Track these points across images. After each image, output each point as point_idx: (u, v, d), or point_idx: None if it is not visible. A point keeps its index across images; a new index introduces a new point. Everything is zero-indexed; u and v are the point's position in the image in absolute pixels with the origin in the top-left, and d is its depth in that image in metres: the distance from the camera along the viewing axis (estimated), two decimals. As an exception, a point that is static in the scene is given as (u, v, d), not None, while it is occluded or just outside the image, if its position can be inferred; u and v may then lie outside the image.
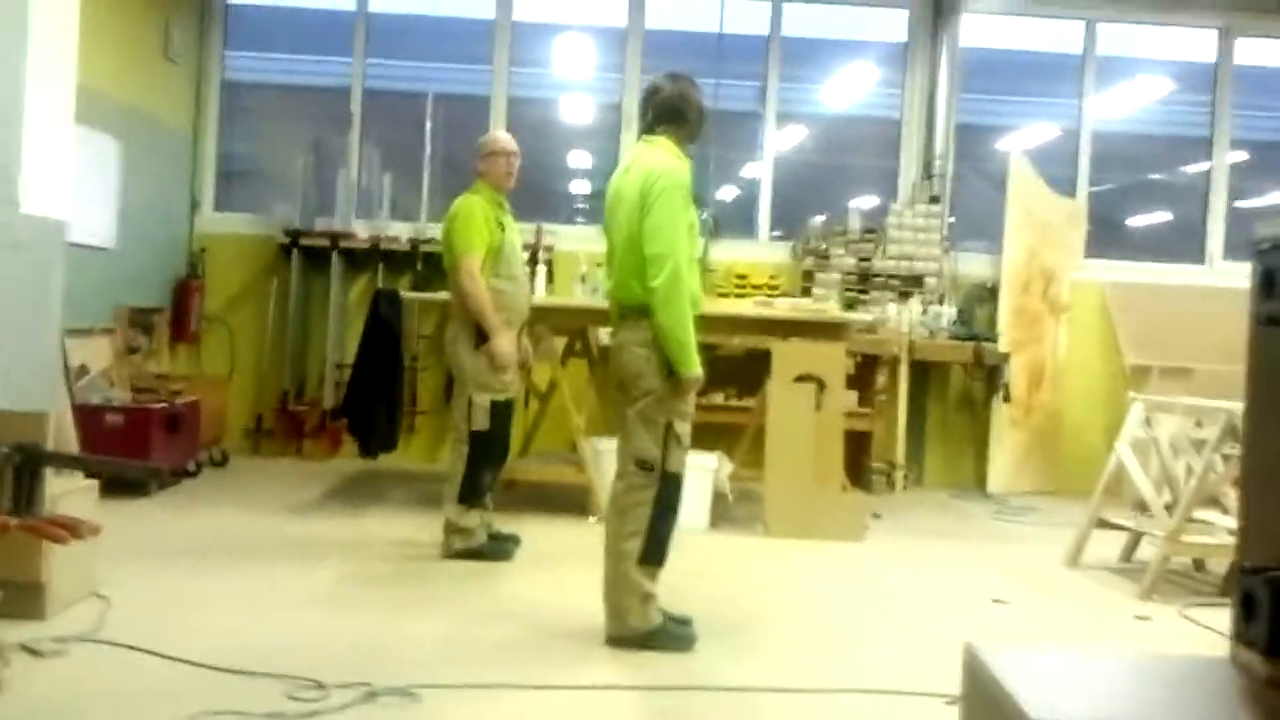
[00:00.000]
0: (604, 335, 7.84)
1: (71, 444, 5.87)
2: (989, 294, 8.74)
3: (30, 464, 3.16)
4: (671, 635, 4.18)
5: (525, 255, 6.15)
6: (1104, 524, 6.01)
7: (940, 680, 3.94)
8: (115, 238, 7.37)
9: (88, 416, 6.30)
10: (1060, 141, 9.27)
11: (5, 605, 3.95)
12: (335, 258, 8.41)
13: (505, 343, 5.37)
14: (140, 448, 6.42)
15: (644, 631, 4.14)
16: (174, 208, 8.43)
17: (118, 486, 5.81)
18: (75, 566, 4.27)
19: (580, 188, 10.11)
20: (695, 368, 4.07)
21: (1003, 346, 8.37)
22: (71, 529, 3.10)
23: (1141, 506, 5.94)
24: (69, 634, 3.91)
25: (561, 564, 5.40)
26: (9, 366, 4.90)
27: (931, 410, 8.81)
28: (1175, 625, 4.98)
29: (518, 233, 5.71)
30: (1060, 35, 9.21)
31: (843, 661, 4.18)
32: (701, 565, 5.52)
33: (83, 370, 6.62)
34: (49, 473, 3.98)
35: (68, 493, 4.26)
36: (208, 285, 8.52)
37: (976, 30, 9.10)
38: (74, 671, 3.63)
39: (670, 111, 4.27)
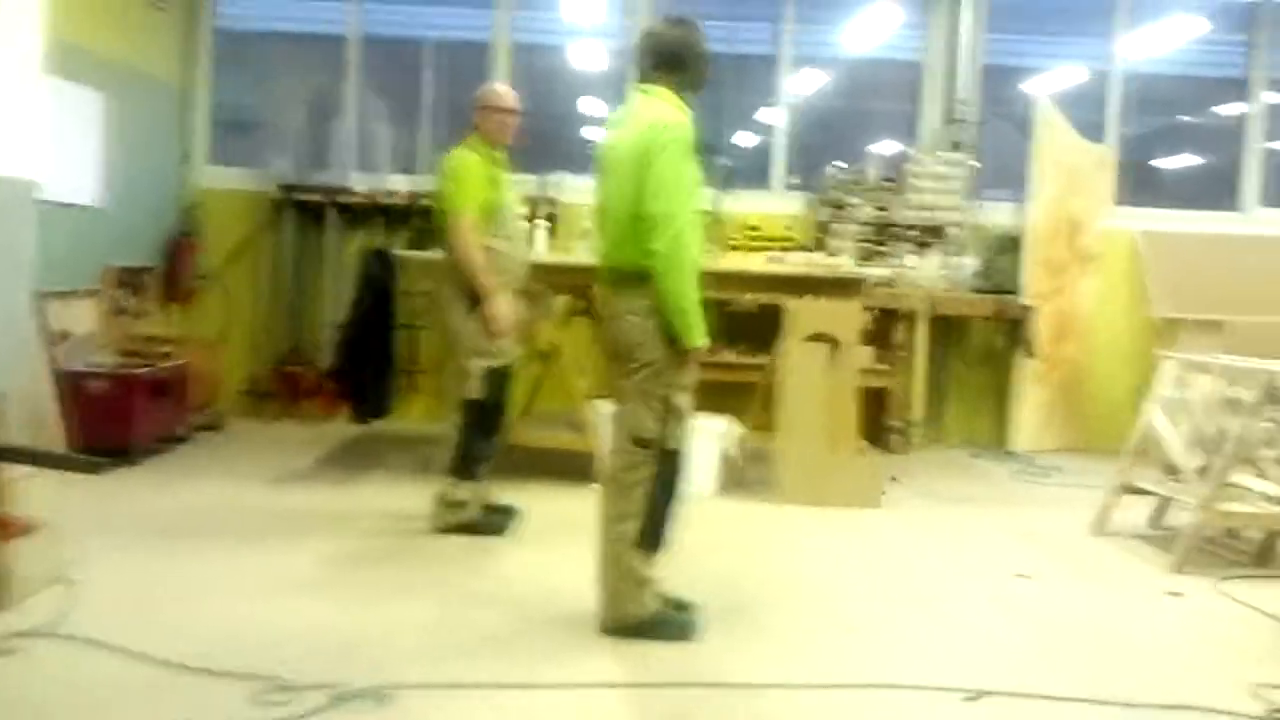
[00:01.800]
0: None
1: (48, 416, 5.65)
2: (1013, 244, 8.37)
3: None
4: (671, 624, 3.91)
5: (524, 211, 5.84)
6: (1132, 489, 5.72)
7: (961, 671, 3.68)
8: (101, 195, 7.09)
9: (69, 384, 6.05)
10: (1089, 84, 8.85)
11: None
12: (332, 213, 8.11)
13: (502, 305, 5.06)
14: (124, 415, 6.18)
15: (641, 620, 3.87)
16: (164, 163, 8.12)
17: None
18: (41, 551, 4.02)
19: (589, 136, 9.75)
20: (700, 338, 3.77)
21: (1027, 299, 8.02)
22: (9, 525, 2.83)
23: (1171, 470, 5.63)
24: (28, 627, 3.67)
25: (559, 539, 5.11)
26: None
27: (952, 366, 8.48)
28: (1212, 602, 4.70)
29: (513, 189, 5.40)
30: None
31: (856, 650, 3.91)
32: (708, 536, 5.22)
33: (64, 335, 6.36)
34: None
35: (32, 471, 4.01)
36: (204, 243, 8.23)
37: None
38: (27, 670, 3.39)
39: (669, 59, 3.93)
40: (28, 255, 5.04)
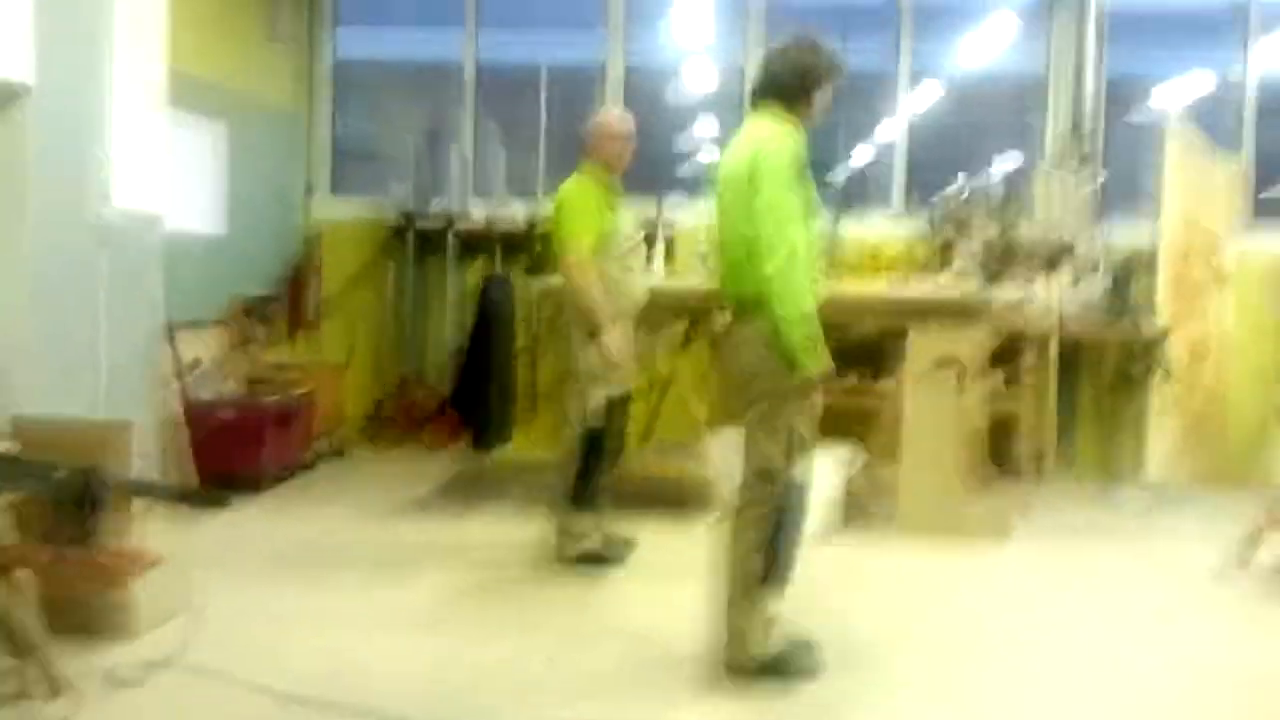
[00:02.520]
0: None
1: (179, 444, 5.76)
2: (1144, 264, 8.07)
3: (88, 491, 2.93)
4: (795, 663, 3.79)
5: (638, 238, 5.78)
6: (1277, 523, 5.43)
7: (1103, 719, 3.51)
8: (226, 225, 7.23)
9: (198, 412, 6.17)
10: (1219, 95, 8.51)
11: (92, 622, 3.79)
12: (450, 240, 8.16)
13: (616, 337, 5.01)
14: (252, 444, 6.27)
15: (764, 659, 3.75)
16: (287, 193, 8.28)
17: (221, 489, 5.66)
18: (164, 583, 4.07)
19: (702, 159, 9.69)
20: (816, 364, 3.65)
21: (1161, 321, 7.72)
22: (130, 564, 2.85)
23: (1323, 502, 5.35)
24: (152, 658, 3.70)
25: (677, 572, 4.98)
26: (108, 364, 4.76)
27: (1083, 391, 8.19)
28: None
29: (627, 218, 5.35)
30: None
31: (988, 694, 3.75)
32: (828, 573, 5.08)
33: (195, 364, 6.49)
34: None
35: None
36: (324, 271, 8.35)
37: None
38: (150, 702, 3.44)
39: (782, 79, 3.83)
40: (154, 288, 5.16)
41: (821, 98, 3.84)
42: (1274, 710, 3.70)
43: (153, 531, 3.99)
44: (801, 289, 3.60)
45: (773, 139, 3.72)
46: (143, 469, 4.15)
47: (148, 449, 4.70)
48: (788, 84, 3.82)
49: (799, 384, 3.68)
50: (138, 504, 3.89)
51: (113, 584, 3.54)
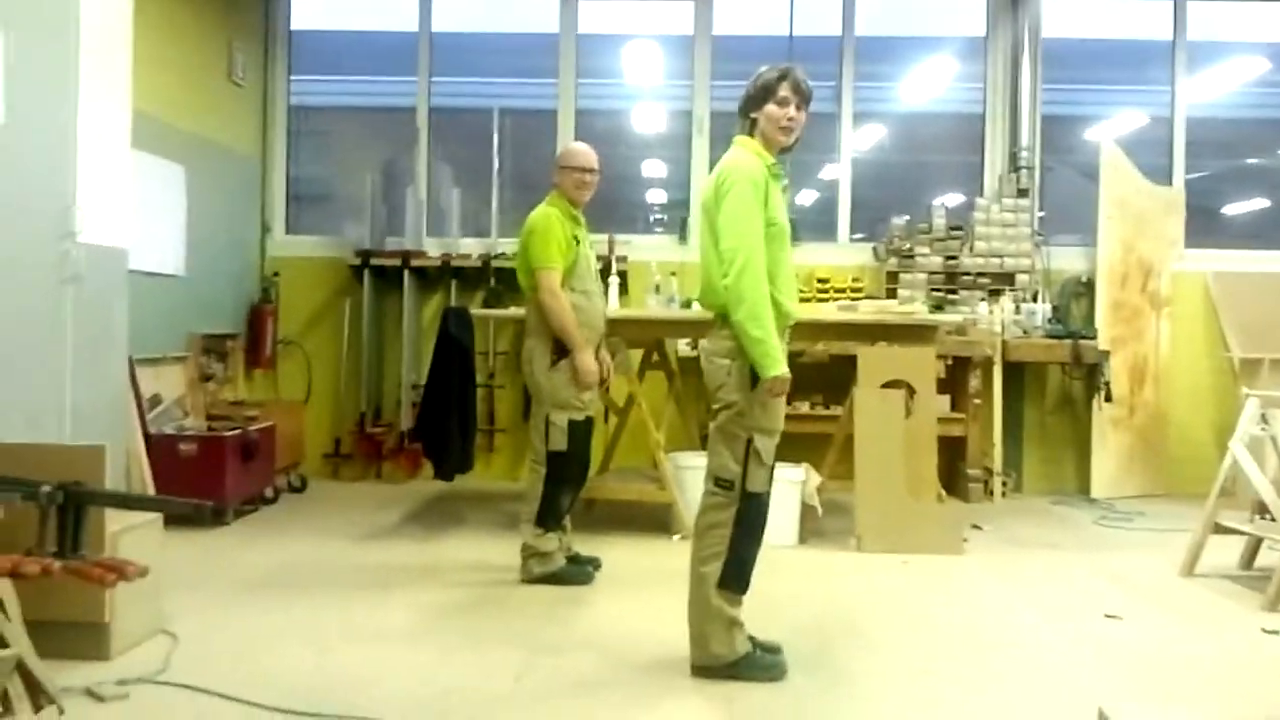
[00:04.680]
0: (682, 346, 7.62)
1: (144, 475, 5.80)
2: (1085, 289, 8.35)
3: (74, 503, 3.00)
4: (760, 664, 3.91)
5: (599, 267, 5.93)
6: (1221, 529, 5.63)
7: (1053, 712, 3.64)
8: (184, 265, 7.30)
9: (161, 446, 6.23)
10: (1151, 129, 8.85)
11: (68, 646, 3.83)
12: (407, 277, 8.27)
13: (589, 359, 5.16)
14: (215, 476, 6.31)
15: (729, 660, 3.88)
16: (244, 233, 8.36)
17: (189, 519, 5.70)
18: (140, 604, 4.13)
19: (653, 197, 9.88)
20: (776, 369, 3.76)
21: (1102, 344, 7.97)
22: (118, 571, 2.92)
23: (1261, 509, 5.56)
24: (132, 675, 3.76)
25: (643, 587, 5.15)
26: (73, 400, 4.80)
27: (1029, 413, 8.43)
28: (1309, 638, 4.61)
29: (591, 245, 5.51)
30: (1145, 19, 8.80)
31: (949, 692, 3.88)
32: (791, 584, 5.25)
33: (155, 400, 6.54)
34: (108, 509, 3.85)
35: (131, 527, 4.13)
36: (281, 309, 8.43)
37: (1057, 18, 8.74)
38: (135, 716, 3.47)
39: (742, 106, 4.03)
40: (122, 320, 5.22)
41: (769, 114, 3.94)
42: (1215, 696, 3.86)
43: (127, 553, 4.05)
44: (758, 295, 3.73)
45: (734, 162, 3.89)
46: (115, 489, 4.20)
47: (115, 479, 4.73)
48: (740, 113, 4.02)
49: (760, 393, 3.80)
50: (113, 525, 3.95)
51: (102, 591, 3.59)
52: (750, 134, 3.99)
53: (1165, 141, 8.73)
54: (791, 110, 3.94)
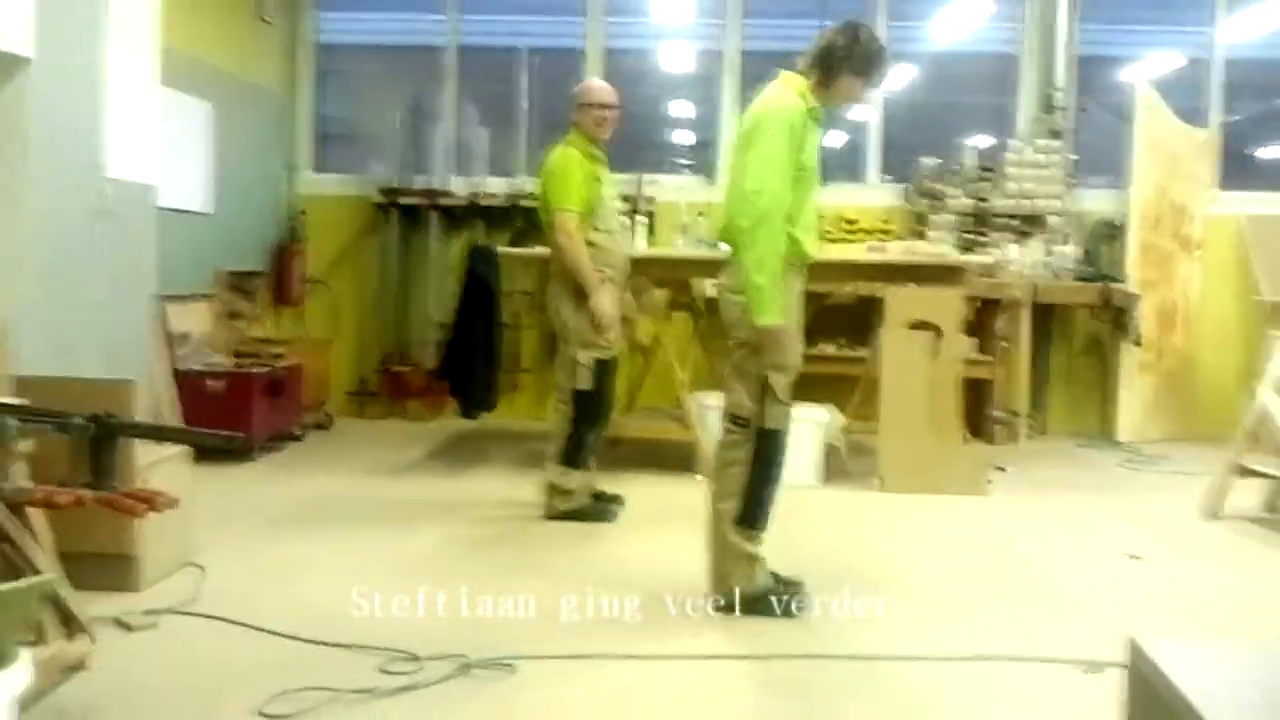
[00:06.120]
0: (708, 286, 7.60)
1: (171, 411, 5.86)
2: (1116, 232, 8.26)
3: (105, 435, 3.03)
4: (780, 599, 3.93)
5: (623, 207, 5.92)
6: (1245, 472, 5.62)
7: (1076, 645, 3.66)
8: (212, 202, 7.32)
9: (188, 383, 6.28)
10: (1187, 71, 8.70)
11: (99, 577, 3.89)
12: (433, 216, 8.27)
13: (605, 300, 5.16)
14: (242, 413, 6.35)
15: (751, 595, 3.91)
16: (271, 171, 8.36)
17: (218, 454, 5.77)
18: (169, 537, 4.19)
19: (681, 137, 9.82)
20: (769, 317, 3.72)
21: (1131, 287, 7.91)
22: (149, 501, 2.96)
23: (1286, 453, 5.53)
24: (161, 606, 3.82)
25: (666, 525, 5.18)
26: (103, 335, 4.85)
27: (1056, 355, 8.39)
28: (1332, 581, 4.61)
29: (613, 184, 5.48)
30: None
31: (969, 626, 3.91)
32: (813, 523, 5.27)
33: (183, 336, 6.58)
34: (138, 442, 3.90)
35: (159, 461, 4.17)
36: (308, 248, 8.46)
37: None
38: (163, 645, 3.54)
39: (808, 52, 3.89)
40: (150, 255, 5.25)
41: (846, 83, 3.87)
42: (1240, 634, 3.86)
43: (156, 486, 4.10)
44: (769, 242, 3.70)
45: (776, 100, 3.83)
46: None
47: (147, 413, 4.79)
48: (812, 55, 3.88)
49: (760, 334, 3.77)
50: (144, 459, 4.00)
51: (132, 524, 3.64)
52: (814, 80, 3.87)
53: (1200, 83, 8.59)
54: (867, 93, 3.90)
